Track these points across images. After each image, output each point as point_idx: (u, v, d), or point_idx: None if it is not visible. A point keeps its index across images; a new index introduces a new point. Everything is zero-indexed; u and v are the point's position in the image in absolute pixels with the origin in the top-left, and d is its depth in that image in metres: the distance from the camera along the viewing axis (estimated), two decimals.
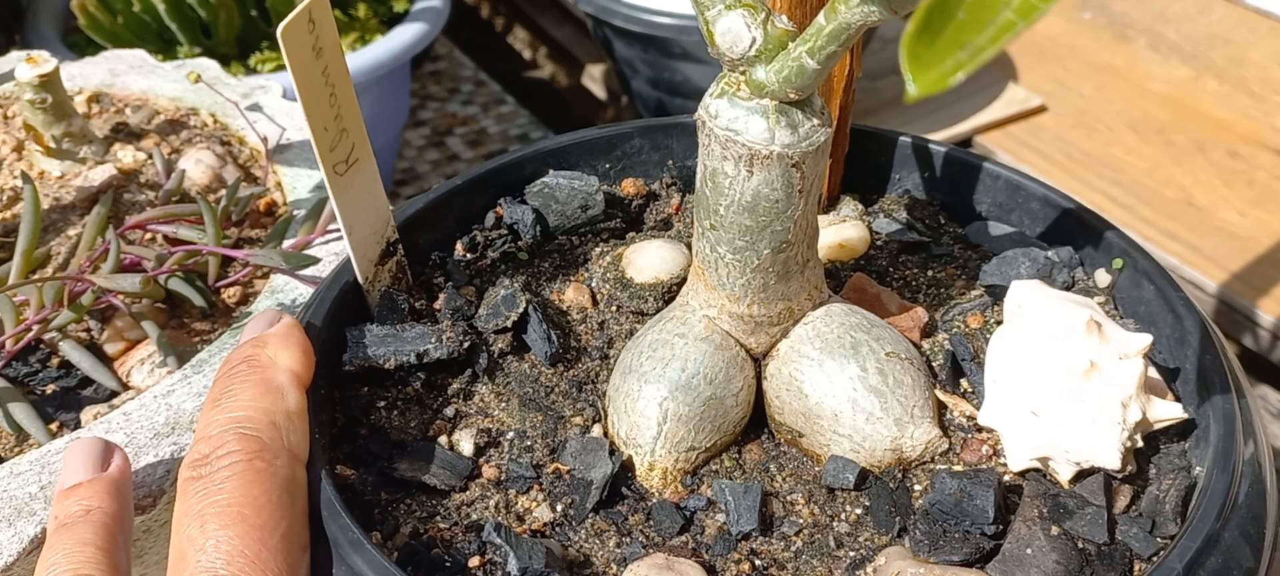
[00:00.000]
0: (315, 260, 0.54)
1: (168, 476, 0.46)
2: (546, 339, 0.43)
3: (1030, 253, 0.46)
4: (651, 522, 0.38)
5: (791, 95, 0.36)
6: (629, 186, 0.51)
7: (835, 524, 0.39)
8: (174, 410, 0.48)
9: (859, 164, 0.51)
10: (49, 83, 0.61)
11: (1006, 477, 0.39)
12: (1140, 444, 0.38)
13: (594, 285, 0.47)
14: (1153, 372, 0.40)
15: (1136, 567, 0.36)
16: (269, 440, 0.36)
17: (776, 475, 0.41)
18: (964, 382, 0.43)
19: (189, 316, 0.55)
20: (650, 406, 0.40)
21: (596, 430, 0.41)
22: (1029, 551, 0.36)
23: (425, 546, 0.36)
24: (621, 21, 0.99)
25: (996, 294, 0.45)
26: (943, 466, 0.40)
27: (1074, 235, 0.47)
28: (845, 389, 0.40)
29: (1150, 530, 0.36)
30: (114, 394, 0.51)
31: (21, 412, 0.49)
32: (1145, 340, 0.38)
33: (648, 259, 0.46)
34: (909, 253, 0.49)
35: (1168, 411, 0.38)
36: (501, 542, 0.36)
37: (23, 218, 0.55)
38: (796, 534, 0.38)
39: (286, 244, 0.57)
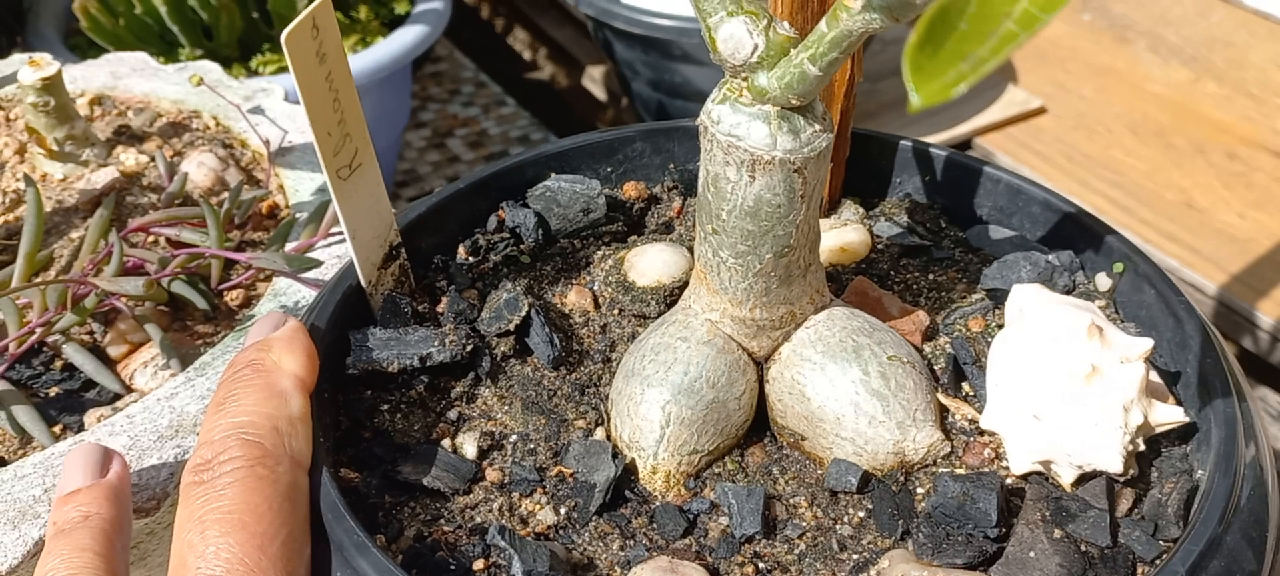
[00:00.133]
0: (318, 263, 0.54)
1: (171, 479, 0.46)
2: (549, 342, 0.43)
3: (1031, 256, 0.46)
4: (655, 525, 0.39)
5: (793, 101, 0.36)
6: (631, 190, 0.51)
7: (838, 527, 0.39)
8: (177, 413, 0.48)
9: (860, 167, 0.51)
10: (51, 86, 0.61)
11: (1009, 481, 0.39)
12: (1142, 447, 0.38)
13: (596, 288, 0.47)
14: (1154, 376, 0.40)
15: (1139, 570, 0.36)
16: (271, 446, 0.36)
17: (779, 478, 0.41)
18: (965, 386, 0.43)
19: (192, 319, 0.55)
20: (653, 409, 0.40)
21: (599, 433, 0.41)
22: (1032, 554, 0.36)
23: (430, 549, 0.37)
24: (622, 23, 0.99)
25: (998, 297, 0.46)
26: (945, 469, 0.40)
27: (1075, 239, 0.47)
28: (847, 392, 0.40)
29: (1153, 533, 0.37)
30: (117, 396, 0.51)
31: (25, 415, 0.49)
32: (1147, 344, 0.38)
33: (650, 262, 0.46)
34: (910, 256, 0.49)
35: (1169, 415, 0.38)
36: (506, 545, 0.36)
37: (25, 220, 0.55)
38: (799, 537, 0.38)
39: (289, 247, 0.57)
